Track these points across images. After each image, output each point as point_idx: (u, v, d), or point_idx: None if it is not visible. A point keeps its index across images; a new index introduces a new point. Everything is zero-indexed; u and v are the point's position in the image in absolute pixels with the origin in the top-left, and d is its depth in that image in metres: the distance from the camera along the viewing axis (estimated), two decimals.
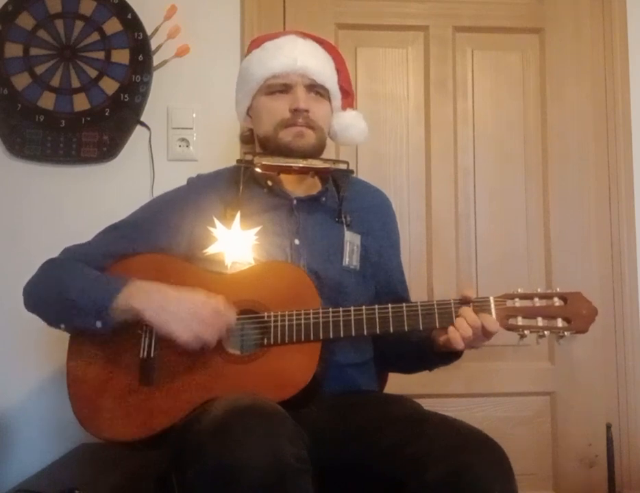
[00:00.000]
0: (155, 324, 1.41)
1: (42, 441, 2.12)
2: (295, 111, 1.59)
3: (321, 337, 1.41)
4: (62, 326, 1.50)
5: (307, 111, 1.59)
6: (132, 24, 2.23)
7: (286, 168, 1.60)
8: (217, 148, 2.19)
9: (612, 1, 2.39)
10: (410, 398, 1.53)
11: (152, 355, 1.46)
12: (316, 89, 1.63)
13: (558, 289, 1.43)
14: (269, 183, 1.64)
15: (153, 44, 2.24)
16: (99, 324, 1.43)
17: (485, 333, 1.40)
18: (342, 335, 1.42)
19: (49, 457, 1.93)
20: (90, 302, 1.43)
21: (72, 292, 1.46)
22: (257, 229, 1.52)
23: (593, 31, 2.41)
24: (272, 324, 1.43)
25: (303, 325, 1.42)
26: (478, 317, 1.39)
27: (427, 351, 1.51)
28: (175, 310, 1.40)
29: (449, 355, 1.49)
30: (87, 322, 1.44)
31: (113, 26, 2.23)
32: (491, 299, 1.42)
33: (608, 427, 2.28)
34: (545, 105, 2.40)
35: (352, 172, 1.64)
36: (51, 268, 1.56)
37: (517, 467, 1.27)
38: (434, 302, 1.44)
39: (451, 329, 1.40)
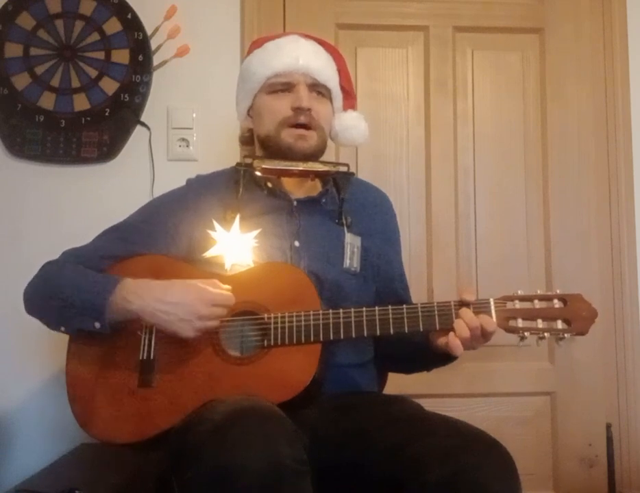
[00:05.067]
0: (156, 325, 1.44)
1: (42, 442, 2.12)
2: (297, 110, 1.59)
3: (321, 339, 1.41)
4: (62, 328, 1.51)
5: (309, 110, 1.59)
6: (132, 24, 2.23)
7: (286, 172, 1.60)
8: (217, 148, 2.19)
9: (612, 1, 2.39)
10: (410, 398, 1.53)
11: (152, 357, 1.46)
12: (318, 88, 1.64)
13: (558, 291, 1.44)
14: (269, 184, 1.64)
15: (153, 44, 2.24)
16: (97, 324, 1.44)
17: (484, 334, 1.40)
18: (342, 336, 1.42)
19: (49, 457, 1.93)
20: (87, 303, 1.44)
21: (69, 294, 1.47)
22: (256, 231, 1.52)
23: (593, 31, 2.41)
24: (272, 325, 1.42)
25: (303, 327, 1.41)
26: (477, 318, 1.40)
27: (425, 352, 1.51)
28: (174, 312, 1.41)
29: (447, 356, 1.49)
30: (85, 323, 1.46)
31: (113, 26, 2.23)
32: (491, 301, 1.42)
33: (608, 427, 2.28)
34: (545, 105, 2.40)
35: (353, 174, 1.63)
36: (49, 272, 1.56)
37: (517, 467, 1.26)
38: (434, 303, 1.44)
39: (451, 335, 1.40)
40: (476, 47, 2.41)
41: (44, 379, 2.15)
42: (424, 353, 1.52)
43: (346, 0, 2.38)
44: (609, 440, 2.28)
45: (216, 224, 1.53)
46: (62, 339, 1.53)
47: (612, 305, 2.34)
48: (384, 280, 1.68)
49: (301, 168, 1.58)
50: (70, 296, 1.47)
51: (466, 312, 1.41)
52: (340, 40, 2.34)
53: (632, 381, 2.32)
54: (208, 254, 1.52)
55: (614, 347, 2.34)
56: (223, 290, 1.44)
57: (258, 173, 1.59)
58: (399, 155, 2.36)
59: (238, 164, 1.61)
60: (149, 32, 2.24)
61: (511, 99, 2.41)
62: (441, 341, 1.43)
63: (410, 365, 1.68)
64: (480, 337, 1.40)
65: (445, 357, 1.50)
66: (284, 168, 1.58)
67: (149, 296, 1.43)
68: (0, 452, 2.12)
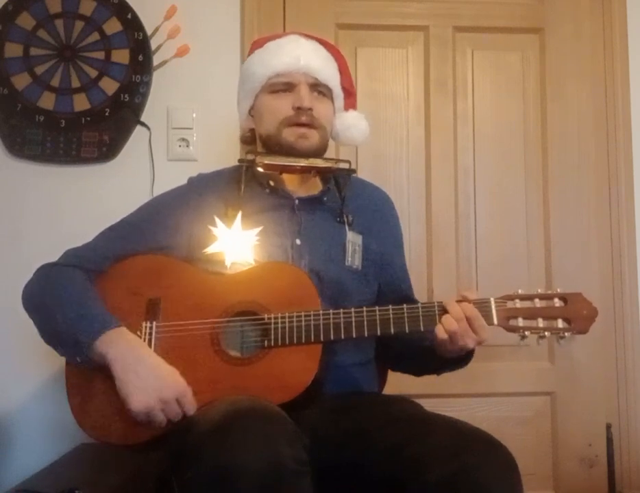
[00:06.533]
0: (117, 379, 1.38)
1: (42, 442, 2.12)
2: (299, 110, 1.59)
3: (322, 339, 1.41)
4: (51, 346, 1.51)
5: (310, 109, 1.59)
6: (132, 24, 2.23)
7: (288, 167, 1.60)
8: (217, 148, 2.19)
9: (612, 1, 2.39)
10: (411, 398, 1.53)
11: None
12: (319, 88, 1.64)
13: (558, 290, 1.44)
14: (271, 183, 1.64)
15: (153, 44, 2.24)
16: (78, 359, 1.44)
17: (472, 327, 1.39)
18: (342, 336, 1.42)
19: (49, 457, 1.93)
20: (72, 339, 1.43)
21: (59, 323, 1.46)
22: (258, 229, 1.52)
23: (593, 31, 2.41)
24: (272, 325, 1.42)
25: (303, 327, 1.41)
26: (460, 308, 1.40)
27: (433, 355, 1.49)
28: (143, 377, 1.38)
29: (455, 361, 1.49)
30: (68, 354, 1.47)
31: (113, 26, 2.23)
32: (491, 300, 1.42)
33: (608, 427, 2.28)
34: (545, 105, 2.40)
35: (354, 171, 1.64)
36: (46, 282, 1.55)
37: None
38: (435, 303, 1.44)
39: (438, 327, 1.40)
40: (476, 47, 2.41)
41: (44, 379, 2.15)
42: (431, 357, 1.50)
43: (346, 0, 2.38)
44: (609, 440, 2.28)
45: (217, 221, 1.53)
46: None
47: (612, 305, 2.34)
48: (386, 278, 1.68)
49: (302, 164, 1.58)
50: (59, 327, 1.45)
51: (453, 305, 1.41)
52: (340, 40, 2.34)
53: (632, 381, 2.32)
54: (209, 251, 1.52)
55: (614, 347, 2.34)
56: (193, 404, 1.39)
57: (260, 169, 1.59)
58: (399, 155, 2.37)
59: (241, 160, 1.61)
60: (149, 32, 2.24)
61: (511, 99, 2.41)
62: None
63: (420, 369, 1.67)
64: (469, 330, 1.40)
65: (452, 362, 1.49)
66: (286, 164, 1.58)
67: (133, 351, 1.41)
68: (0, 452, 2.12)
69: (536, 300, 1.42)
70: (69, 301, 1.48)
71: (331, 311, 1.43)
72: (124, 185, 2.21)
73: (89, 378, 1.47)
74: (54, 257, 1.60)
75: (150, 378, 1.38)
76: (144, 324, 1.47)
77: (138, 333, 1.46)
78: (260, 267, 1.50)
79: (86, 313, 1.45)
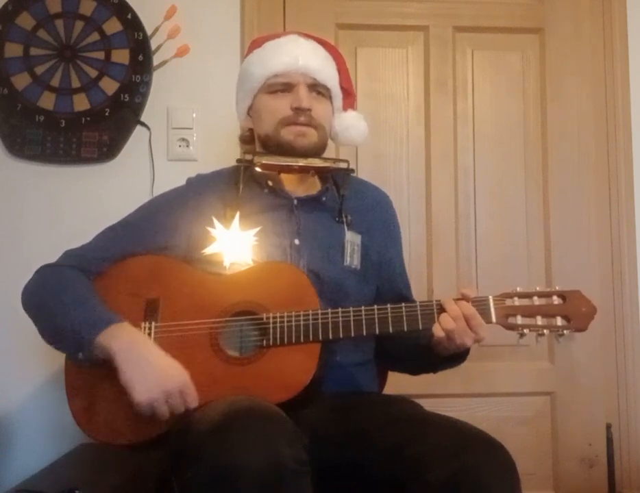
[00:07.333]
0: (120, 372, 1.38)
1: (42, 442, 2.12)
2: (297, 110, 1.59)
3: (321, 338, 1.41)
4: (52, 345, 1.51)
5: (309, 110, 1.59)
6: (132, 24, 2.23)
7: (286, 167, 1.60)
8: (217, 148, 2.18)
9: (612, 1, 2.39)
10: (410, 398, 1.53)
11: None
12: (317, 88, 1.63)
13: (557, 288, 1.43)
14: (269, 183, 1.64)
15: (153, 44, 2.24)
16: (80, 355, 1.43)
17: (470, 325, 1.39)
18: (341, 336, 1.42)
19: (49, 457, 1.93)
20: (74, 335, 1.43)
21: (61, 320, 1.46)
22: (256, 229, 1.52)
23: (593, 31, 2.41)
24: (271, 325, 1.42)
25: (302, 326, 1.41)
26: (458, 307, 1.39)
27: (430, 353, 1.49)
28: (145, 369, 1.38)
29: (452, 358, 1.48)
30: (70, 351, 1.47)
31: (113, 26, 2.23)
32: (490, 298, 1.42)
33: (608, 427, 2.28)
34: (545, 105, 2.40)
35: (352, 171, 1.64)
36: (47, 281, 1.55)
37: (517, 467, 1.26)
38: (433, 301, 1.44)
39: (435, 326, 1.40)
40: (476, 47, 2.41)
41: (44, 379, 2.15)
42: (429, 354, 1.50)
43: (346, 0, 2.38)
44: (609, 440, 2.27)
45: (215, 221, 1.53)
46: None
47: (612, 305, 2.34)
48: (384, 278, 1.68)
49: (301, 164, 1.58)
50: (61, 323, 1.46)
51: (451, 304, 1.40)
52: (340, 40, 2.34)
53: (632, 381, 2.32)
54: (208, 251, 1.52)
55: (614, 347, 2.34)
56: (195, 396, 1.39)
57: (258, 169, 1.59)
58: (399, 155, 2.37)
59: (239, 160, 1.61)
60: (149, 32, 2.24)
61: (511, 99, 2.41)
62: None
63: (416, 367, 1.66)
64: (467, 329, 1.39)
65: (449, 359, 1.49)
66: (284, 164, 1.58)
67: (135, 344, 1.41)
68: (0, 452, 2.12)
69: (535, 297, 1.42)
70: (70, 300, 1.48)
71: (329, 310, 1.43)
72: (124, 185, 2.21)
73: (89, 382, 1.47)
74: (54, 257, 1.61)
75: (153, 371, 1.38)
76: (143, 325, 1.47)
77: None
78: (259, 267, 1.50)
79: (88, 311, 1.46)
